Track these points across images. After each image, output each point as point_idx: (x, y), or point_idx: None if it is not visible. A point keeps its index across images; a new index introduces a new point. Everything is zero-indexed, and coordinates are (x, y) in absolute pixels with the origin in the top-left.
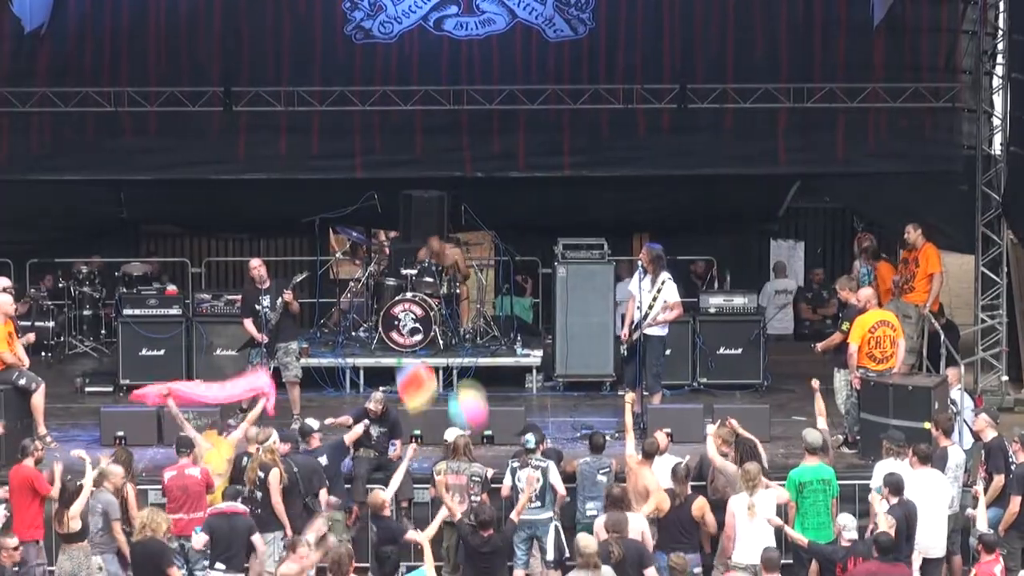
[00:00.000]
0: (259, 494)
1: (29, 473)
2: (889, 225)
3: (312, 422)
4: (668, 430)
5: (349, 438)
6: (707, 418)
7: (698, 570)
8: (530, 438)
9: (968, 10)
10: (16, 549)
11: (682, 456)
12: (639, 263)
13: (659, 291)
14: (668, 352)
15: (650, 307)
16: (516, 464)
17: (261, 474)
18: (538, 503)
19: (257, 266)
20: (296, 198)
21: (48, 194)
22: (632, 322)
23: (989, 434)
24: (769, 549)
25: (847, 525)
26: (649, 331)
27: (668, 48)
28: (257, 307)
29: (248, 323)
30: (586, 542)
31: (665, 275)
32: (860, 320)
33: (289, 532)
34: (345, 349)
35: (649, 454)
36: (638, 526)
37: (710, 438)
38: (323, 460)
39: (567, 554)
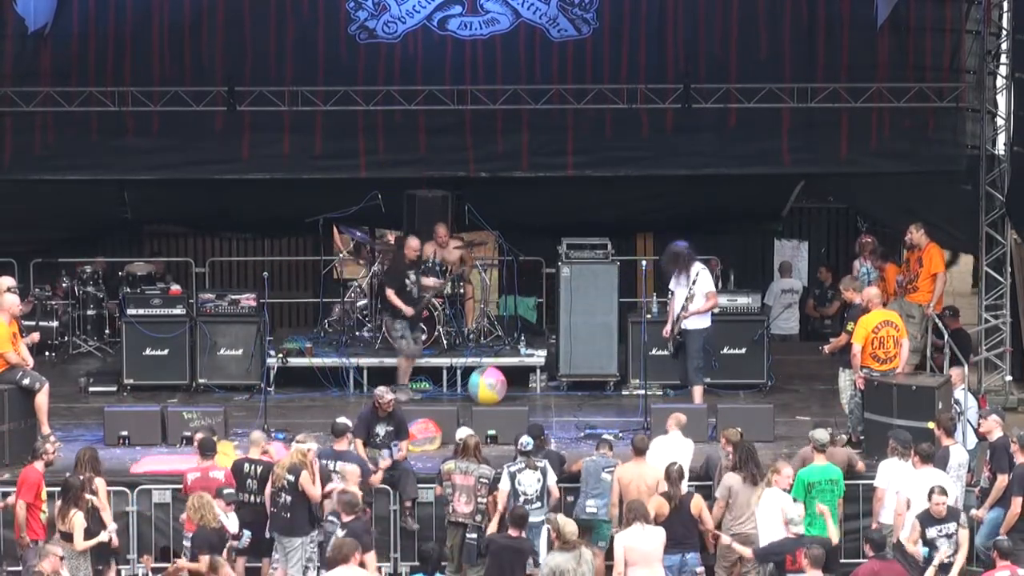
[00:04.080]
0: (288, 498)
1: (24, 475)
2: (893, 225)
3: (345, 421)
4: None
5: (373, 480)
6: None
7: (700, 569)
8: (527, 440)
9: (972, 10)
10: (63, 559)
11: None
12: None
13: (694, 283)
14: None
15: (687, 300)
16: (515, 468)
17: (290, 477)
18: (537, 504)
19: (416, 247)
20: (300, 198)
21: (52, 194)
22: (673, 319)
23: (996, 434)
24: (814, 547)
25: (794, 519)
26: (688, 325)
27: (672, 48)
28: (407, 281)
29: (392, 294)
30: (570, 527)
31: (698, 266)
32: (864, 320)
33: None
34: (349, 349)
35: (640, 450)
36: (660, 538)
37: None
38: (352, 467)
39: None
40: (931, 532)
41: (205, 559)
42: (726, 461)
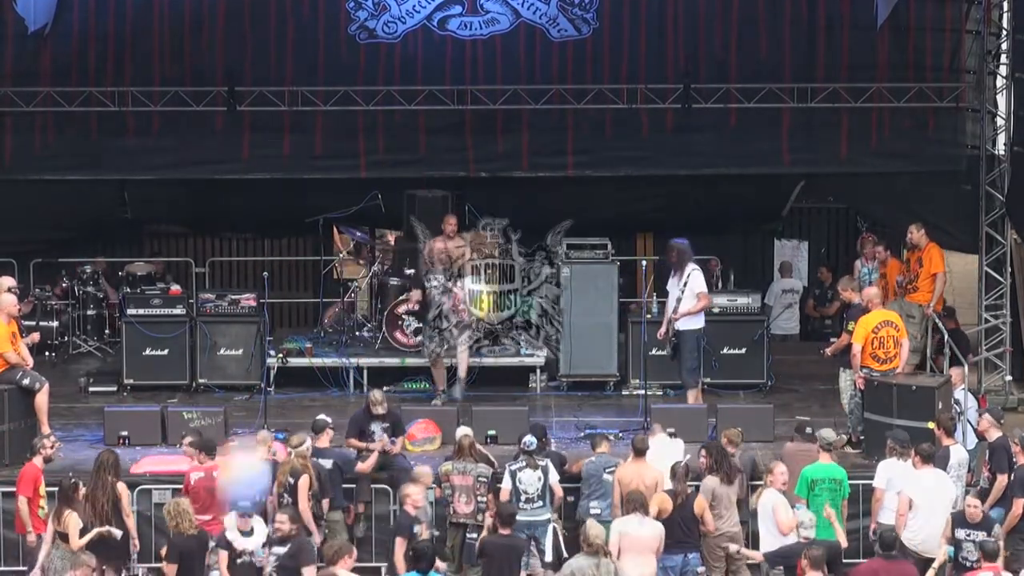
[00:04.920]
0: (289, 499)
1: (25, 472)
2: (893, 225)
3: (326, 418)
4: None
5: (364, 466)
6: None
7: (701, 569)
8: (530, 440)
9: (972, 10)
10: (95, 570)
11: (685, 453)
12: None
13: (686, 284)
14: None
15: (678, 301)
16: (516, 467)
17: (291, 479)
18: (539, 503)
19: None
20: (300, 198)
21: (52, 194)
22: (668, 319)
23: (993, 434)
24: (814, 547)
25: (804, 522)
26: (681, 326)
27: (672, 48)
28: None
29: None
30: (596, 531)
31: (691, 267)
32: (864, 320)
33: (317, 537)
34: (349, 349)
35: (640, 451)
36: (657, 531)
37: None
38: (328, 464)
39: (565, 556)
40: (960, 533)
41: (173, 568)
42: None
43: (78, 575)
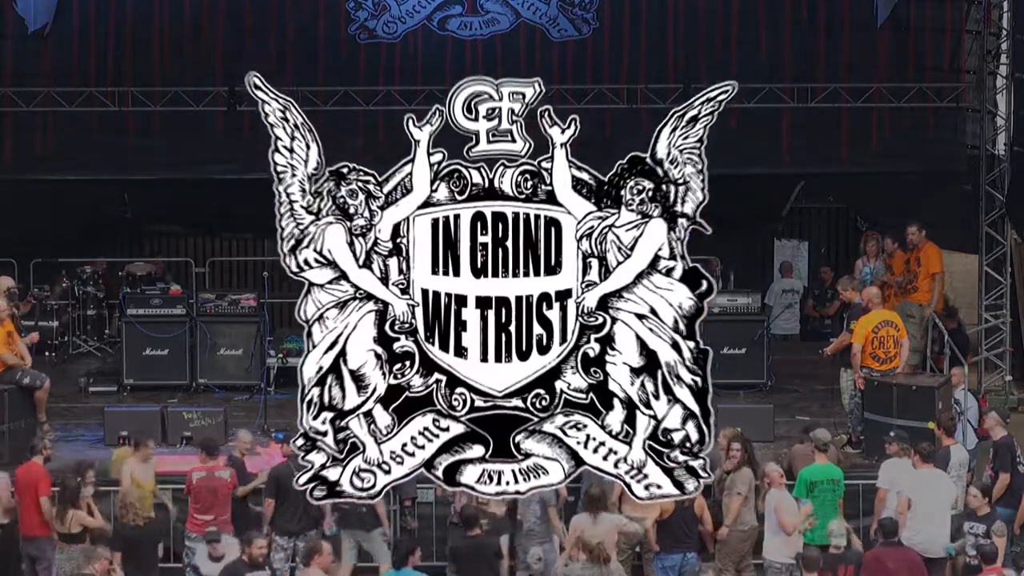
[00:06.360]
0: None
1: (36, 472)
2: (893, 225)
3: None
4: None
5: None
6: None
7: (700, 567)
8: None
9: (972, 10)
10: (111, 562)
11: None
12: None
13: None
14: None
15: None
16: None
17: None
18: None
19: None
20: None
21: (52, 194)
22: None
23: (998, 432)
24: (809, 548)
25: (833, 531)
26: None
27: (672, 48)
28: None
29: None
30: (592, 532)
31: None
32: (864, 320)
33: (387, 529)
34: None
35: None
36: (614, 524)
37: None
38: None
39: None
40: (964, 526)
41: (118, 555)
42: (729, 457)
43: (96, 568)
